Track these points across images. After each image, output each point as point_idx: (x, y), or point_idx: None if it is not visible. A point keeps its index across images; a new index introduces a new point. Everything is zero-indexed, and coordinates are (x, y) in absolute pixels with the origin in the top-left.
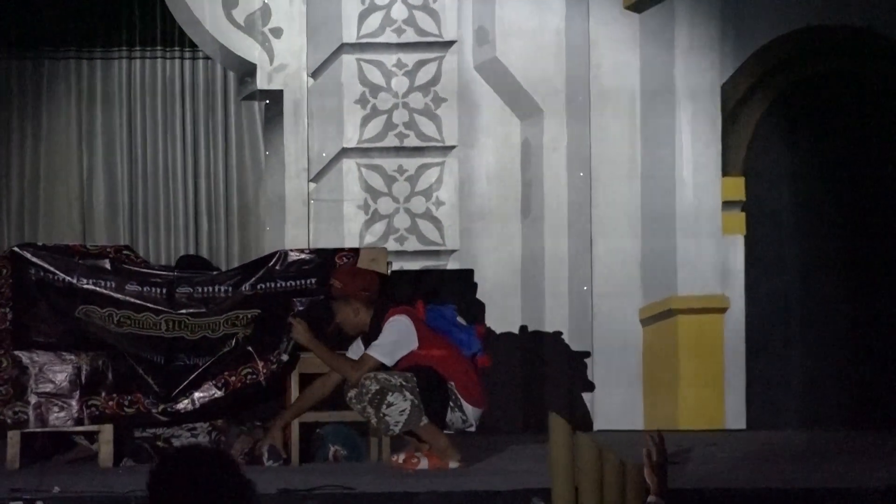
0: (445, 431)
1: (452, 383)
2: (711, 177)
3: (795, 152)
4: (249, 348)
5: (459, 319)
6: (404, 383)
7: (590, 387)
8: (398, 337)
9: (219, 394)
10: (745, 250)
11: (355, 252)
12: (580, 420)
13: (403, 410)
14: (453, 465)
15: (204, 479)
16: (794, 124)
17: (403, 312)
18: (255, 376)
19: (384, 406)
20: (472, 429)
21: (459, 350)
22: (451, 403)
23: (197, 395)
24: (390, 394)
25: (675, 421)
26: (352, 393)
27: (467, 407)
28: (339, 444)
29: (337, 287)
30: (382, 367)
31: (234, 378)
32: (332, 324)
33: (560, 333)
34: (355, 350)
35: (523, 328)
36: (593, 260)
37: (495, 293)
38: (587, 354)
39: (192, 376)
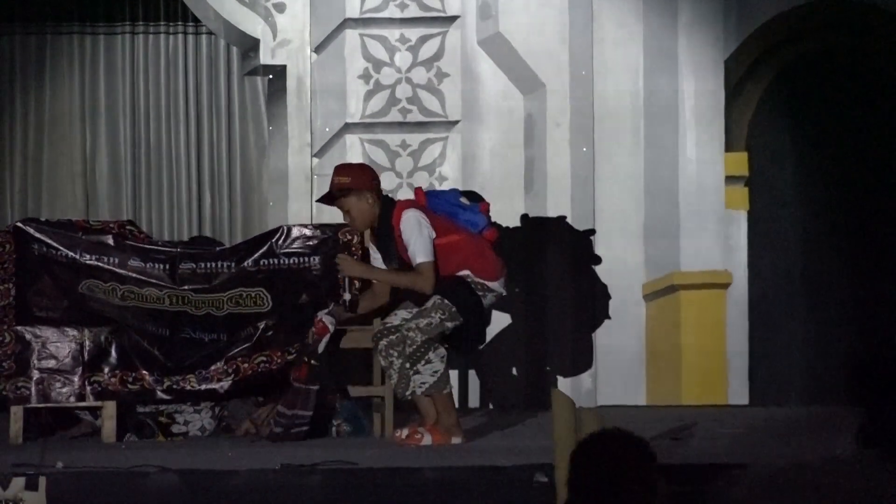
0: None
1: (468, 272)
2: (714, 152)
3: (799, 127)
4: (269, 334)
5: (463, 200)
6: (439, 345)
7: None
8: (423, 231)
9: (227, 380)
10: (747, 226)
11: None
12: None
13: (436, 371)
14: (456, 441)
15: (623, 466)
16: (797, 100)
17: (410, 206)
18: (268, 365)
19: (422, 362)
20: (504, 293)
21: (469, 230)
22: (479, 292)
23: (204, 375)
24: (432, 351)
25: (677, 397)
26: (384, 342)
27: (492, 284)
28: (343, 420)
29: (347, 182)
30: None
31: (246, 365)
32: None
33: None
34: (373, 253)
35: (528, 299)
36: (596, 235)
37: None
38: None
39: (204, 353)
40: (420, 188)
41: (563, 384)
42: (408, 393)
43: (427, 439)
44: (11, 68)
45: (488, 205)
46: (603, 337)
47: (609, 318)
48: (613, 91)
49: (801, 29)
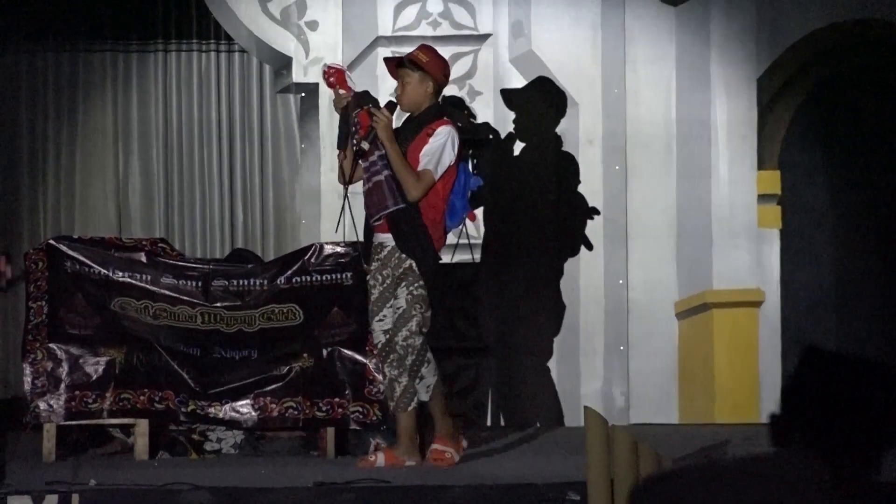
0: None
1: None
2: (747, 170)
3: (831, 146)
4: (303, 378)
5: (469, 193)
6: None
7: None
8: (449, 152)
9: (252, 415)
10: (780, 244)
11: None
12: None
13: (436, 372)
14: (409, 463)
15: None
16: (830, 118)
17: (451, 124)
18: (296, 412)
19: (425, 365)
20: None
21: (447, 209)
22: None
23: (230, 406)
24: (429, 351)
25: (710, 415)
26: (395, 354)
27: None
28: (381, 438)
29: (423, 59)
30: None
31: (274, 406)
32: None
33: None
34: None
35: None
36: (628, 253)
37: (530, 287)
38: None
39: (234, 385)
40: (468, 152)
41: (596, 402)
42: (409, 408)
43: (455, 455)
44: (45, 86)
45: (475, 216)
46: (635, 355)
47: (641, 335)
48: (646, 109)
49: (833, 47)
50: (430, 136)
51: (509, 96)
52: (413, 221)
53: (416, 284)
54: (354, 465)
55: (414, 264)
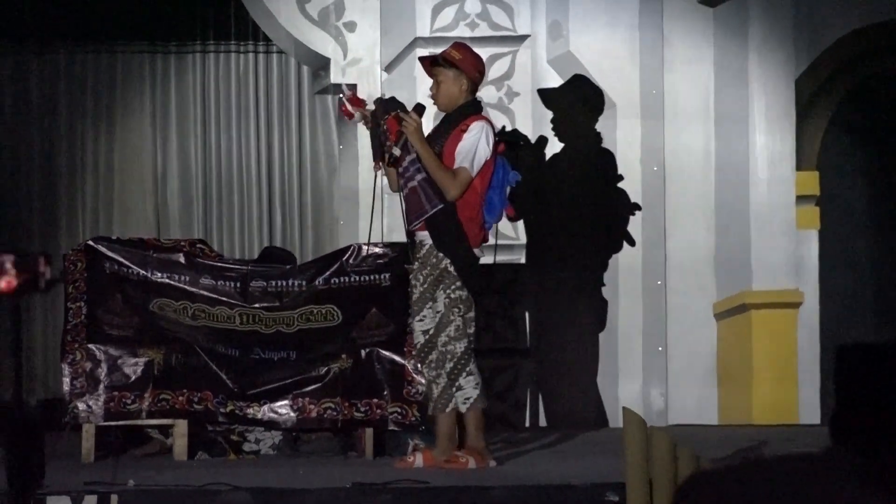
0: None
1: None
2: (785, 171)
3: (869, 147)
4: (343, 379)
5: (507, 189)
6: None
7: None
8: (484, 148)
9: (291, 416)
10: (818, 245)
11: None
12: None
13: (478, 384)
14: (492, 464)
15: None
16: (868, 119)
17: (485, 119)
18: (335, 413)
19: (464, 374)
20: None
21: (484, 206)
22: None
23: (268, 407)
24: (473, 362)
25: (749, 416)
26: (434, 354)
27: (476, 251)
28: (419, 438)
29: (456, 57)
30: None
31: (313, 406)
32: None
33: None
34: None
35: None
36: (667, 255)
37: (569, 288)
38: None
39: (273, 386)
40: (503, 144)
41: (635, 403)
42: (448, 409)
43: (472, 463)
44: (83, 87)
45: (514, 210)
46: (674, 356)
47: (680, 337)
48: (684, 110)
49: (871, 48)
50: (464, 132)
51: (547, 95)
52: (449, 220)
53: (453, 287)
54: (393, 466)
55: (451, 265)
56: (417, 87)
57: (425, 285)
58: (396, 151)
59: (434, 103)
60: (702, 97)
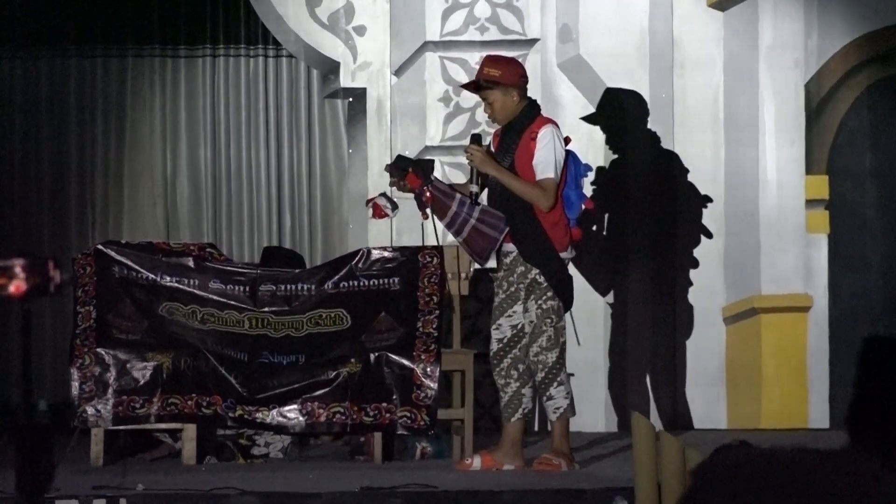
0: None
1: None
2: (795, 175)
3: (880, 151)
4: (352, 383)
5: (584, 179)
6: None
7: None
8: (558, 149)
9: (300, 420)
10: (828, 249)
11: (438, 250)
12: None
13: (569, 393)
14: (508, 467)
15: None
16: (878, 123)
17: (554, 124)
18: (343, 418)
19: (555, 384)
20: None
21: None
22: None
23: (277, 411)
24: (564, 372)
25: (758, 420)
26: (508, 359)
27: (564, 254)
28: (427, 442)
29: (496, 75)
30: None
31: (322, 411)
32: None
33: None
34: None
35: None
36: (676, 258)
37: (577, 293)
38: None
39: (282, 390)
40: (568, 137)
41: (643, 408)
42: (514, 418)
43: (564, 465)
44: (93, 91)
45: (592, 203)
46: (683, 360)
47: (689, 341)
48: (694, 114)
49: (882, 52)
50: (533, 139)
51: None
52: (534, 229)
53: (544, 297)
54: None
55: (539, 274)
56: (427, 91)
57: (507, 293)
58: (475, 188)
59: (494, 122)
60: (711, 101)
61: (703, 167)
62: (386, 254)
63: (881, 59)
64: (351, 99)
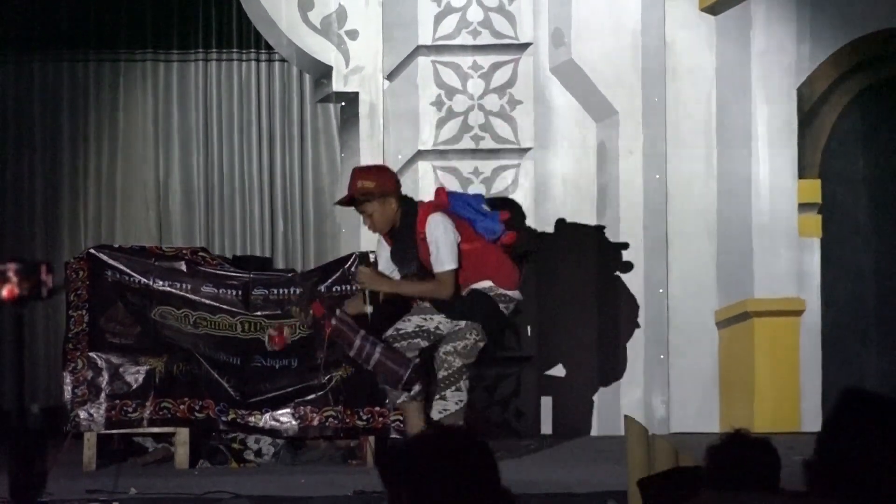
0: None
1: (490, 283)
2: (788, 179)
3: (872, 155)
4: (343, 388)
5: (484, 206)
6: (468, 376)
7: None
8: (450, 236)
9: (293, 424)
10: (821, 253)
11: None
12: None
13: (461, 401)
14: None
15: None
16: (870, 127)
17: (436, 209)
18: (337, 422)
19: (452, 388)
20: (515, 305)
21: (486, 238)
22: (502, 304)
23: (270, 415)
24: (464, 379)
25: (750, 423)
26: (402, 343)
27: (511, 293)
28: None
29: (370, 187)
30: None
31: (315, 415)
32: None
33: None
34: (381, 250)
35: (600, 331)
36: (669, 262)
37: (571, 296)
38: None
39: (274, 394)
40: (443, 187)
41: (636, 411)
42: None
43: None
44: (86, 95)
45: (509, 214)
46: (676, 364)
47: (682, 345)
48: (686, 118)
49: (874, 56)
50: (424, 239)
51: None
52: (462, 306)
53: (476, 320)
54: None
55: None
56: (420, 95)
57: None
58: (369, 309)
59: (375, 232)
60: (704, 105)
61: (696, 171)
62: None
63: (873, 64)
64: (343, 103)
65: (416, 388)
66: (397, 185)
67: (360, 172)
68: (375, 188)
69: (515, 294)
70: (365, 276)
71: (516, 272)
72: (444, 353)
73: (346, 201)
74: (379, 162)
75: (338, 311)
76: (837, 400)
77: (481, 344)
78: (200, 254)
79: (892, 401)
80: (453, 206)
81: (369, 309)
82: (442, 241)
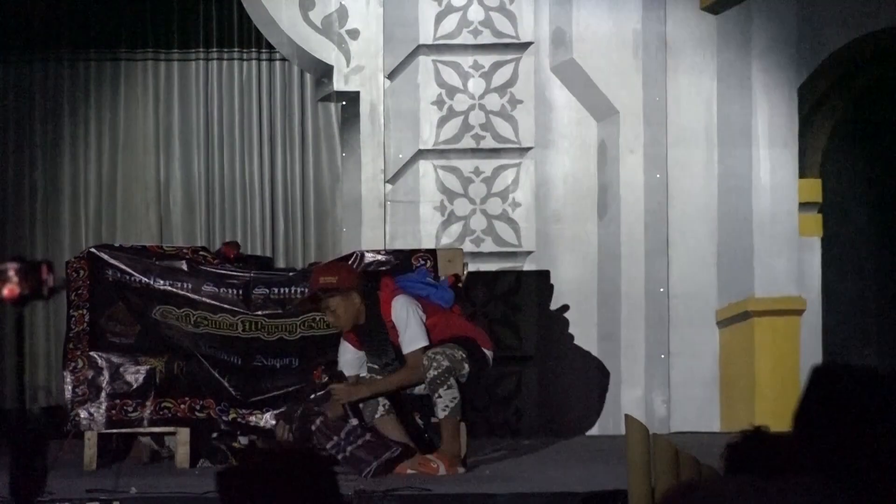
0: None
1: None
2: (788, 178)
3: (872, 154)
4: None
5: (429, 279)
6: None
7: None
8: (415, 316)
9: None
10: (821, 252)
11: (432, 253)
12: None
13: (455, 398)
14: (461, 470)
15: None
16: (871, 126)
17: (395, 293)
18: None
19: (444, 387)
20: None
21: (444, 309)
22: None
23: (271, 414)
24: (453, 377)
25: (751, 422)
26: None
27: (489, 353)
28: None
29: (333, 282)
30: (425, 350)
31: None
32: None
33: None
34: (344, 352)
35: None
36: (670, 262)
37: (572, 295)
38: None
39: (275, 393)
40: (388, 276)
41: (637, 410)
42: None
43: (442, 469)
44: (86, 94)
45: (455, 276)
46: (676, 363)
47: (682, 344)
48: (687, 118)
49: (875, 55)
50: (393, 327)
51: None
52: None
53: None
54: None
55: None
56: (420, 95)
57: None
58: (354, 422)
59: (339, 328)
60: (705, 104)
61: (697, 170)
62: (380, 257)
63: (874, 62)
64: (344, 102)
65: (387, 403)
66: (359, 280)
67: (322, 269)
68: (339, 283)
69: (490, 354)
70: (341, 391)
71: (484, 332)
72: (433, 353)
73: (309, 299)
74: (341, 254)
75: (318, 421)
76: (810, 374)
77: (466, 366)
78: (201, 253)
79: (865, 371)
80: (404, 288)
81: (354, 422)
82: (411, 321)
